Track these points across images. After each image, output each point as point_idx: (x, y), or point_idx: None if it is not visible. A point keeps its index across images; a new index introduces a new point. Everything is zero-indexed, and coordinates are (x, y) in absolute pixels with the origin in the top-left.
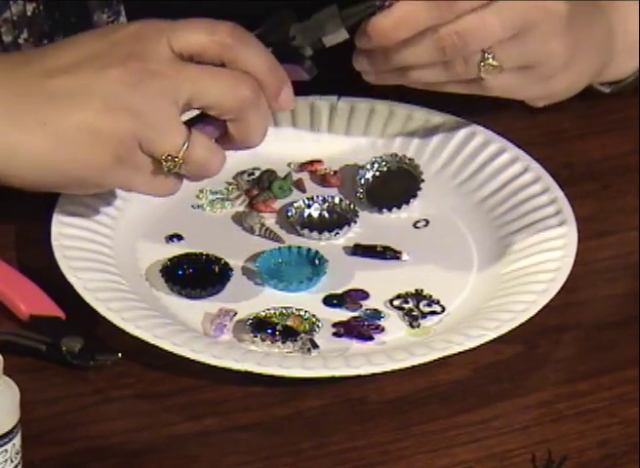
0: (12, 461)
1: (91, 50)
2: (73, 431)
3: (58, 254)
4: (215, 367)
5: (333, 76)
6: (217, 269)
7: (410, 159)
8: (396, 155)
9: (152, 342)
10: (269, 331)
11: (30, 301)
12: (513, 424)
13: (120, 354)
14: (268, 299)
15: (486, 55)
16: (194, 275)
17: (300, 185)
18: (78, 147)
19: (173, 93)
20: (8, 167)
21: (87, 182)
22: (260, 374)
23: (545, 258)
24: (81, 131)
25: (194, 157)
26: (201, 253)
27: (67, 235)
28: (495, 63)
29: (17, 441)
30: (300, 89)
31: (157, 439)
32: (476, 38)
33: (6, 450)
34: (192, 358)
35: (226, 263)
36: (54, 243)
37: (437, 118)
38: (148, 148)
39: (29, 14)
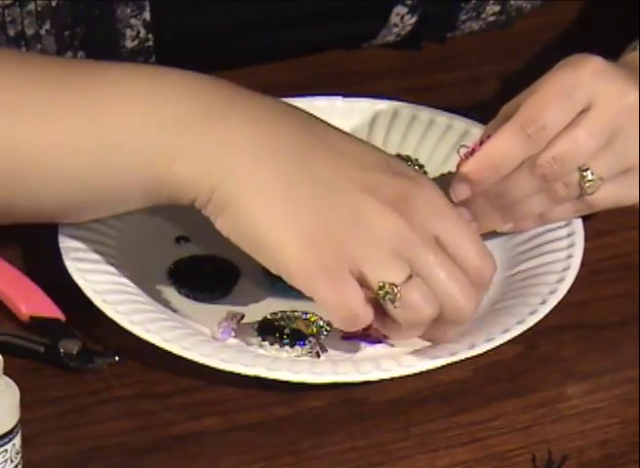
0: (12, 461)
1: (369, 163)
2: (73, 431)
3: (65, 257)
4: (215, 367)
5: (333, 75)
6: (224, 271)
7: (413, 159)
8: (399, 155)
9: (161, 346)
10: (277, 334)
11: (31, 302)
12: (513, 424)
13: (117, 358)
14: (275, 302)
15: (583, 172)
16: (202, 277)
17: None
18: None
19: (413, 257)
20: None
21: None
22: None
23: (552, 259)
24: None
25: (410, 297)
26: (208, 256)
27: (75, 237)
28: (594, 178)
29: (17, 441)
30: (301, 89)
31: (157, 439)
32: (572, 158)
33: (6, 450)
34: (201, 362)
35: (234, 266)
36: (61, 245)
37: (441, 118)
38: (365, 272)
39: (54, 4)
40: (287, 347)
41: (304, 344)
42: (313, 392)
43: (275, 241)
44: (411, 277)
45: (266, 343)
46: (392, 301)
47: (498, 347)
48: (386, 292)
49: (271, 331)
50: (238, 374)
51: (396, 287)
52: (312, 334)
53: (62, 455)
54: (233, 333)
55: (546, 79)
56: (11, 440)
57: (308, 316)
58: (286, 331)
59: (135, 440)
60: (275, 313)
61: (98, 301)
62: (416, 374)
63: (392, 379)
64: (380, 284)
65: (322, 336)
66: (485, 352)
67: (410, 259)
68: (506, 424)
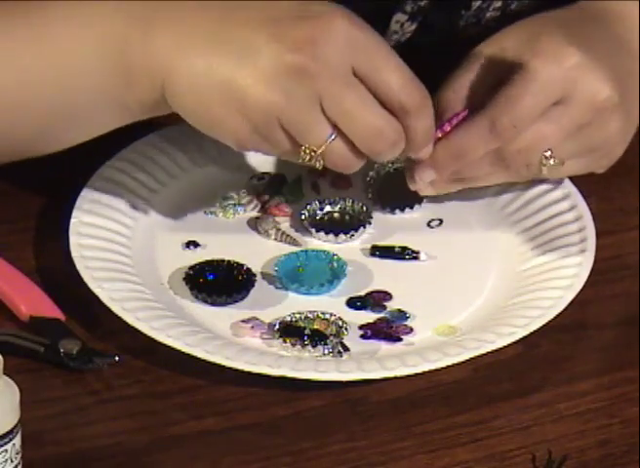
0: (12, 461)
1: (279, 13)
2: (73, 431)
3: (79, 266)
4: (215, 367)
5: None
6: (240, 275)
7: None
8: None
9: (185, 351)
10: (298, 335)
11: (31, 302)
12: (513, 424)
13: (117, 357)
14: (292, 304)
15: (546, 157)
16: (218, 282)
17: (315, 188)
18: (214, 102)
19: (324, 101)
20: (164, 87)
21: (225, 138)
22: (259, 374)
23: (565, 254)
24: (226, 87)
25: (333, 156)
26: (222, 260)
27: (86, 246)
28: (556, 162)
29: (17, 441)
30: None
31: (157, 439)
32: (538, 149)
33: (6, 450)
34: (227, 365)
35: (249, 269)
36: (74, 254)
37: None
38: (291, 133)
39: None
40: (309, 348)
41: (326, 344)
42: (313, 392)
43: (216, 117)
44: (332, 134)
45: (288, 345)
46: (317, 161)
47: (519, 341)
48: (310, 155)
49: (292, 332)
50: (240, 373)
51: (315, 151)
52: (332, 334)
53: (62, 455)
54: (259, 333)
55: (522, 71)
56: (11, 440)
57: (326, 316)
58: (306, 331)
59: (135, 440)
60: (293, 314)
61: (117, 309)
62: (417, 374)
63: (391, 379)
64: (302, 148)
65: (342, 336)
66: (507, 345)
67: (325, 105)
68: (506, 424)
